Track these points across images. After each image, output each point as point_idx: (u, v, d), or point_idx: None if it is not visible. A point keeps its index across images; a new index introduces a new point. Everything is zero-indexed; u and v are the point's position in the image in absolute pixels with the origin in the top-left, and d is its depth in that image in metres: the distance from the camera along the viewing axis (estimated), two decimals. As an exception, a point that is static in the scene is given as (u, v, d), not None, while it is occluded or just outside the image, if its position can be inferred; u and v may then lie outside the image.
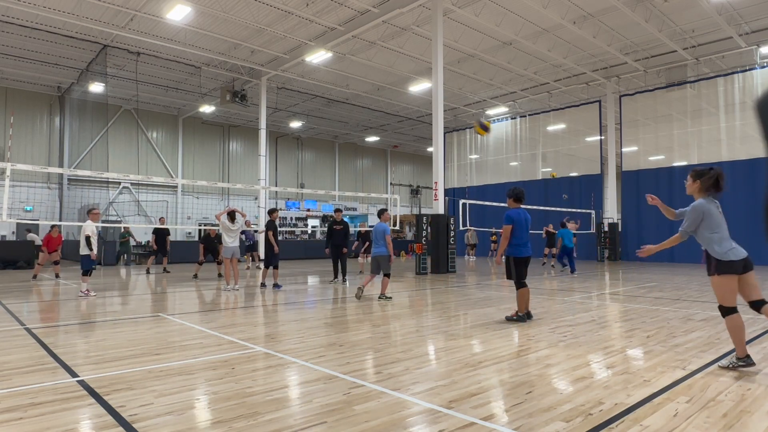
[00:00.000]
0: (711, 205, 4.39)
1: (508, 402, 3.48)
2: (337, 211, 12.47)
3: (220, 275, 13.60)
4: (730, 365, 4.25)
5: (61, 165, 24.87)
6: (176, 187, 29.21)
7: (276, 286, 10.93)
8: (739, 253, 4.25)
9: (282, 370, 4.30)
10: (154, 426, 3.01)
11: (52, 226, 13.69)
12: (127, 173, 25.28)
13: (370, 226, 32.77)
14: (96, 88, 22.13)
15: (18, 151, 23.86)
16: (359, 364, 4.51)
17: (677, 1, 16.06)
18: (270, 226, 11.12)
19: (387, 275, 9.07)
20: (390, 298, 9.15)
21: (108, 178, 24.97)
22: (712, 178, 4.40)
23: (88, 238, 9.27)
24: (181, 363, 4.53)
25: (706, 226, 4.38)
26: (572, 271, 14.87)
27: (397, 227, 21.31)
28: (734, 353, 4.35)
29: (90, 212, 9.57)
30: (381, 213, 9.45)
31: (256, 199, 29.15)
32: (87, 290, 9.44)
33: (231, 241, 10.51)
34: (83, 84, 22.53)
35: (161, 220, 16.32)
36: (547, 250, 18.16)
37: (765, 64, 19.07)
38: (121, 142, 27.02)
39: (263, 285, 11.30)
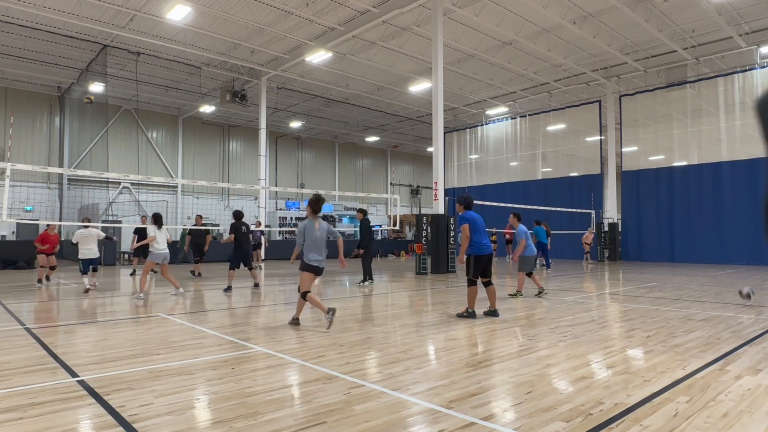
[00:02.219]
0: (313, 223, 6.41)
1: (508, 402, 3.48)
2: (358, 211, 12.07)
3: (197, 273, 13.95)
4: (328, 321, 6.14)
5: (61, 165, 24.87)
6: (176, 187, 29.21)
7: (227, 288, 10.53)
8: (318, 261, 6.32)
9: (282, 370, 4.30)
10: (154, 426, 3.01)
11: (48, 225, 12.99)
12: (127, 173, 25.30)
13: (374, 226, 32.81)
14: (96, 88, 22.13)
15: (18, 151, 23.86)
16: (359, 364, 4.51)
17: (677, 1, 16.06)
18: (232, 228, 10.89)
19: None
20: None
21: (108, 178, 24.98)
22: (314, 204, 6.50)
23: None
24: (181, 363, 4.53)
25: (307, 237, 6.36)
26: (547, 267, 16.25)
27: (397, 227, 21.31)
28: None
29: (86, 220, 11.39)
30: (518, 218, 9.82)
31: (256, 199, 29.17)
32: (93, 284, 10.56)
33: (164, 246, 10.16)
34: (83, 84, 22.53)
35: (143, 219, 15.79)
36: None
37: (765, 64, 19.07)
38: (121, 142, 27.03)
39: (256, 285, 11.20)
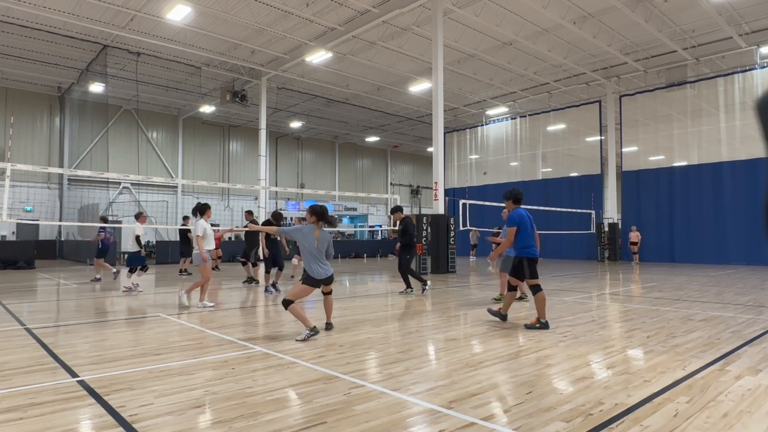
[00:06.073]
0: (314, 230, 5.87)
1: (508, 402, 3.48)
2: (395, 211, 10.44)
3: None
4: (305, 337, 5.54)
5: (61, 165, 24.87)
6: (176, 187, 29.21)
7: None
8: (323, 272, 5.83)
9: (282, 370, 4.30)
10: (154, 426, 3.01)
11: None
12: (127, 173, 25.29)
13: (371, 226, 32.89)
14: (96, 88, 22.13)
15: (18, 151, 23.86)
16: (359, 364, 4.51)
17: (677, 1, 16.06)
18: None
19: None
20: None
21: (108, 178, 24.98)
22: (322, 215, 5.99)
23: (137, 238, 10.36)
24: (181, 363, 4.53)
25: (304, 246, 5.85)
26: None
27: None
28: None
29: (139, 216, 10.91)
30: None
31: (256, 199, 29.17)
32: (135, 284, 10.35)
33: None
34: (83, 84, 22.54)
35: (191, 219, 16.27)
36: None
37: (765, 64, 19.06)
38: (121, 142, 27.03)
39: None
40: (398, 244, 10.12)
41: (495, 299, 8.93)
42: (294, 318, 6.48)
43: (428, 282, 10.17)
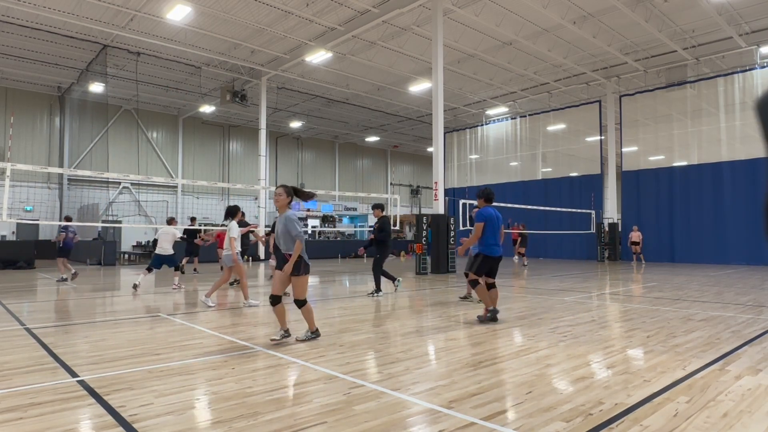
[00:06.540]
0: (298, 216, 5.53)
1: (508, 402, 3.47)
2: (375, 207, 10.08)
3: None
4: (305, 338, 5.45)
5: (61, 165, 24.87)
6: (176, 187, 29.21)
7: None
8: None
9: (282, 370, 4.30)
10: (154, 426, 3.01)
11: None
12: (127, 173, 25.30)
13: (371, 226, 32.85)
14: (96, 88, 22.14)
15: (18, 151, 23.85)
16: (359, 364, 4.51)
17: (677, 1, 16.07)
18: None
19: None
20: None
21: (108, 178, 24.98)
22: (294, 193, 5.47)
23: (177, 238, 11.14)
24: (181, 363, 4.53)
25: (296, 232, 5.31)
26: None
27: (397, 227, 21.32)
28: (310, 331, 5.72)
29: (171, 221, 11.62)
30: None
31: (256, 199, 29.16)
32: (179, 285, 10.91)
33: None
34: (83, 84, 22.55)
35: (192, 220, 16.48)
36: (523, 249, 19.21)
37: (765, 64, 19.06)
38: (121, 142, 27.03)
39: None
40: (371, 236, 9.91)
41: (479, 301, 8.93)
42: (294, 318, 6.49)
43: (399, 279, 10.24)
